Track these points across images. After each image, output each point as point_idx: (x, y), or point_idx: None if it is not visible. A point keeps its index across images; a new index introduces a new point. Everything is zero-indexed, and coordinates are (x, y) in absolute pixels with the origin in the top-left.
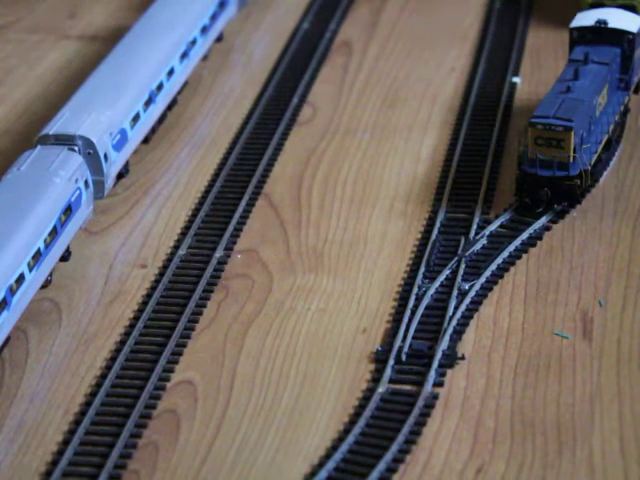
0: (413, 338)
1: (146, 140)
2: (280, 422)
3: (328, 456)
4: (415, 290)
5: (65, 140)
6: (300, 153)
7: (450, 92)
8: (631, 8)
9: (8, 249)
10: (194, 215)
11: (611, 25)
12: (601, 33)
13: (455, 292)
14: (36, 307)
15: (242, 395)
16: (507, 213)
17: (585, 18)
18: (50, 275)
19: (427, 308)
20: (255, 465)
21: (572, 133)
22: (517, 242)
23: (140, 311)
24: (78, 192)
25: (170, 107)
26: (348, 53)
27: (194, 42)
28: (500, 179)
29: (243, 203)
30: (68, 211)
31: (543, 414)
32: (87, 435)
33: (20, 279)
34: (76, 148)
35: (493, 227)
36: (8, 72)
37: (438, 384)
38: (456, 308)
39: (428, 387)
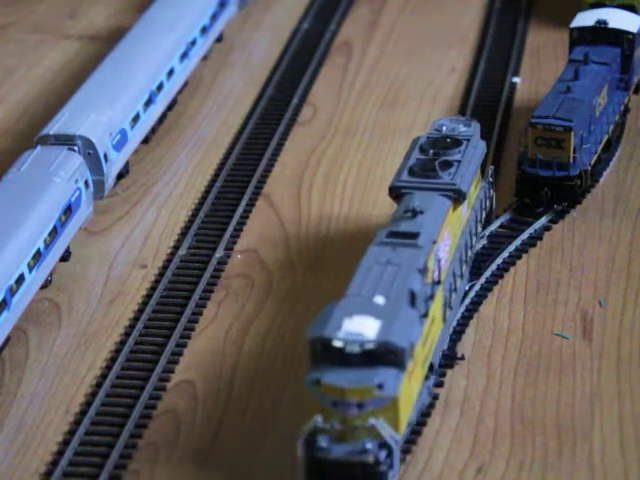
0: None
1: (146, 140)
2: (280, 422)
3: None
4: None
5: (65, 140)
6: (300, 153)
7: (450, 92)
8: (631, 8)
9: (8, 249)
10: (194, 215)
11: (611, 25)
12: (601, 33)
13: None
14: (36, 307)
15: (242, 395)
16: (507, 213)
17: (585, 18)
18: (50, 275)
19: None
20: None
21: (572, 133)
22: (517, 242)
23: (140, 311)
24: (78, 192)
25: (170, 107)
26: (348, 53)
27: (194, 42)
28: (500, 179)
29: (243, 203)
30: (68, 211)
31: (543, 414)
32: (87, 435)
33: (20, 279)
34: (76, 148)
35: (493, 227)
36: (8, 72)
37: (438, 384)
38: None
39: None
